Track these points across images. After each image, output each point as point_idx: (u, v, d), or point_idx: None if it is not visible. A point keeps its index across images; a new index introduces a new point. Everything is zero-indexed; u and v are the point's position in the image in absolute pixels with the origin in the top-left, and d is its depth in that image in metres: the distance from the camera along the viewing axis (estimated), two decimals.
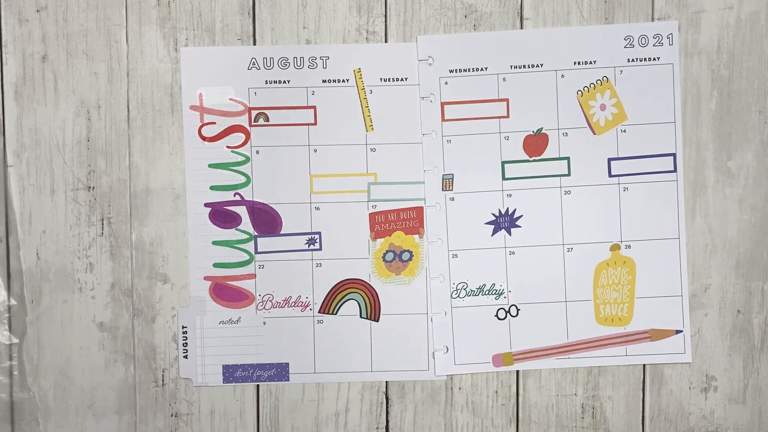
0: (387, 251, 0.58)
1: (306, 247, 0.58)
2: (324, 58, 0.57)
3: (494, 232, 0.58)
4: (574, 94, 0.58)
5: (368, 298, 0.58)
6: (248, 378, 0.58)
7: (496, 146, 0.58)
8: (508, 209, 0.58)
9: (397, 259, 0.58)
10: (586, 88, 0.58)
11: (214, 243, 0.58)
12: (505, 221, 0.58)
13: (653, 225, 0.58)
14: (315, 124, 0.58)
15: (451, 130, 0.58)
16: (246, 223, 0.58)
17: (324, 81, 0.57)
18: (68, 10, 0.57)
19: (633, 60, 0.58)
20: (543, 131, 0.58)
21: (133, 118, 0.57)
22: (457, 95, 0.58)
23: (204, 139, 0.58)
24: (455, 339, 0.58)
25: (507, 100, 0.58)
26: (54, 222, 0.57)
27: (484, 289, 0.58)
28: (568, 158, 0.58)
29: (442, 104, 0.58)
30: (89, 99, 0.57)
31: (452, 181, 0.58)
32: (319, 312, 0.58)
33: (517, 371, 0.58)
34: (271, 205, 0.58)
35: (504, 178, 0.58)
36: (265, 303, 0.58)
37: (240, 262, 0.58)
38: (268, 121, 0.58)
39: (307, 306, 0.58)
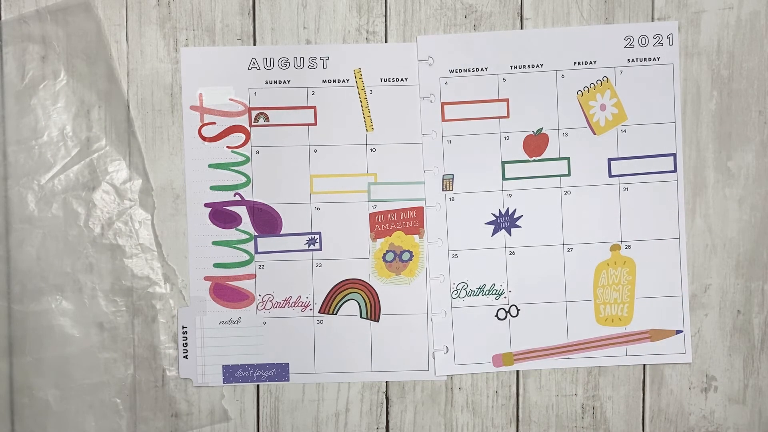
0: (387, 251, 0.58)
1: (306, 247, 0.58)
2: (324, 58, 0.57)
3: (494, 232, 0.58)
4: (574, 94, 0.58)
5: (368, 298, 0.58)
6: (248, 378, 0.58)
7: (496, 146, 0.58)
8: (508, 209, 0.58)
9: (397, 259, 0.58)
10: (586, 88, 0.58)
11: (214, 243, 0.58)
12: (505, 221, 0.58)
13: (653, 225, 0.58)
14: (315, 124, 0.58)
15: (451, 130, 0.58)
16: (246, 223, 0.58)
17: (324, 81, 0.57)
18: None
19: (633, 60, 0.58)
20: (543, 131, 0.58)
21: (133, 118, 0.57)
22: (457, 95, 0.58)
23: (204, 139, 0.58)
24: (455, 339, 0.58)
25: (507, 100, 0.58)
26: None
27: (484, 289, 0.58)
28: (568, 158, 0.58)
29: (442, 104, 0.58)
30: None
31: (452, 181, 0.58)
32: (319, 312, 0.58)
33: (517, 371, 0.58)
34: (271, 205, 0.58)
35: (504, 178, 0.58)
36: (265, 303, 0.58)
37: (240, 262, 0.58)
38: (268, 121, 0.58)
39: (307, 306, 0.58)
